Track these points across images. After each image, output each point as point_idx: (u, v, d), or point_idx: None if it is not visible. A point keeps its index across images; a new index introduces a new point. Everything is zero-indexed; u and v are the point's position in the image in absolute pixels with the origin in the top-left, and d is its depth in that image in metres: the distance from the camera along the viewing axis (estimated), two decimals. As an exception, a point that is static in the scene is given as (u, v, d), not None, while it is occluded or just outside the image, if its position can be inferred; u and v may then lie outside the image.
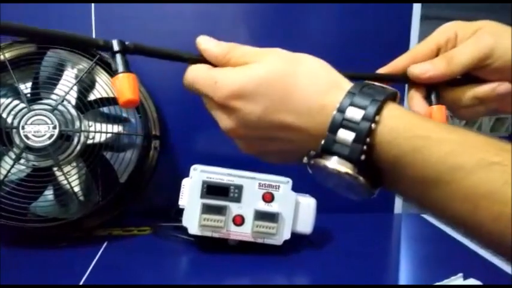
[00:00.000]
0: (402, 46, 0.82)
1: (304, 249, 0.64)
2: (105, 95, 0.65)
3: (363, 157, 0.27)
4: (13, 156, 0.61)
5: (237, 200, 0.60)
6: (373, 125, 0.27)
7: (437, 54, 0.37)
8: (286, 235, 0.61)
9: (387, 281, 0.59)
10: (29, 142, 0.60)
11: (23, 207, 0.60)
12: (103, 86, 0.65)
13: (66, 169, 0.62)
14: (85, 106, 0.63)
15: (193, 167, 0.61)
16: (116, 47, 0.33)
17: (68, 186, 0.62)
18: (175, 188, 0.61)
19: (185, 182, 0.61)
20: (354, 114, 0.27)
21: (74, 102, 0.63)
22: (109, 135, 0.64)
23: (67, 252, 0.62)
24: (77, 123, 0.62)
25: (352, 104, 0.28)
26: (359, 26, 0.81)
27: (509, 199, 0.23)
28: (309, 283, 0.59)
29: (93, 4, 0.76)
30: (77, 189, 0.63)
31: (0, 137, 0.61)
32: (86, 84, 0.65)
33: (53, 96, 0.63)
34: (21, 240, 0.64)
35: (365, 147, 0.27)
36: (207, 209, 0.59)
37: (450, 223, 0.28)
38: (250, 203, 0.60)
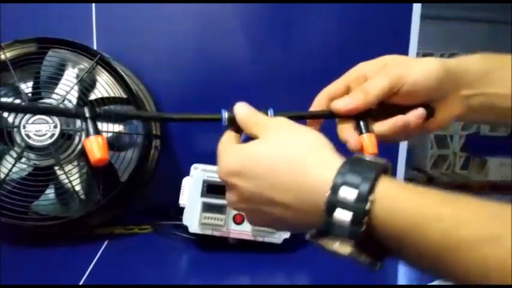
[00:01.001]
0: (402, 45, 0.82)
1: (304, 248, 0.64)
2: (106, 95, 0.65)
3: (360, 234, 0.27)
4: (14, 155, 0.61)
5: (237, 198, 0.60)
6: (367, 206, 0.27)
7: (347, 92, 0.41)
8: (286, 234, 0.61)
9: (386, 278, 0.59)
10: (30, 141, 0.61)
11: (24, 205, 0.60)
12: (104, 86, 0.65)
13: (67, 168, 0.62)
14: (86, 105, 0.63)
15: (193, 166, 0.61)
16: (87, 114, 0.37)
17: (69, 185, 0.62)
18: (176, 187, 0.62)
19: (185, 181, 0.62)
20: (348, 194, 0.28)
21: (74, 101, 0.64)
22: (110, 134, 0.64)
23: (68, 251, 0.62)
24: (78, 123, 0.63)
25: (344, 183, 0.28)
26: (359, 27, 0.81)
27: None
28: (309, 281, 0.59)
29: (93, 4, 0.76)
30: (78, 188, 0.63)
31: (1, 136, 0.61)
32: (86, 84, 0.65)
33: (54, 96, 0.63)
34: (22, 238, 0.65)
35: (363, 227, 0.27)
36: (207, 208, 0.59)
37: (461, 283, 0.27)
38: (250, 202, 0.60)
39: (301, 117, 0.38)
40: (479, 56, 0.41)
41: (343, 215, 0.28)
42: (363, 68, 0.42)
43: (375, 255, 0.29)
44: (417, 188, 0.28)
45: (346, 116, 0.40)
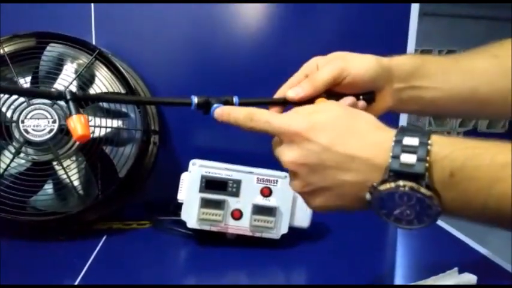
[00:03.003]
0: (400, 43, 0.82)
1: (302, 243, 0.64)
2: (104, 90, 0.65)
3: (427, 174, 0.32)
4: (13, 150, 0.61)
5: (236, 194, 0.60)
6: (429, 147, 0.32)
7: None
8: (284, 229, 0.61)
9: (384, 274, 0.60)
10: (28, 136, 0.60)
11: (22, 200, 0.60)
12: (102, 81, 0.65)
13: (65, 163, 0.62)
14: (85, 101, 0.63)
15: (192, 161, 0.61)
16: (68, 96, 0.41)
17: (67, 180, 0.62)
18: (174, 183, 0.62)
19: (184, 177, 0.62)
20: (412, 141, 0.33)
21: (73, 96, 0.63)
22: (109, 129, 0.64)
23: (66, 246, 0.62)
24: (77, 118, 0.63)
25: (407, 136, 0.34)
26: (358, 25, 0.82)
27: None
28: (306, 277, 0.60)
29: (92, 4, 0.76)
30: (76, 183, 0.63)
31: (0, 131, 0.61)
32: (85, 79, 0.65)
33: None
34: (20, 233, 0.65)
35: (427, 164, 0.32)
36: (205, 203, 0.60)
37: None
38: (248, 198, 0.60)
39: (263, 104, 0.45)
40: (409, 55, 0.50)
41: (408, 157, 0.33)
42: (315, 61, 0.49)
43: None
44: (459, 137, 0.35)
45: (301, 103, 0.45)
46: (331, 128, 0.36)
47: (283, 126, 0.37)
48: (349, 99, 0.46)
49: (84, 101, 0.62)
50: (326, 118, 0.36)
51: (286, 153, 0.37)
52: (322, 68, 0.47)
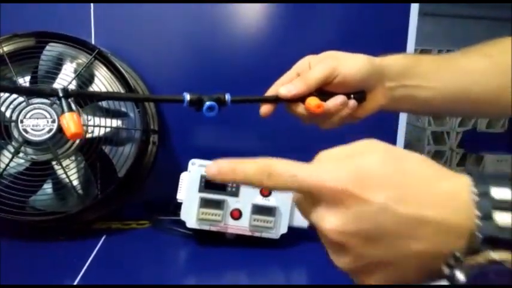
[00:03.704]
0: (400, 43, 0.82)
1: (302, 243, 0.64)
2: (104, 90, 0.65)
3: None
4: (12, 150, 0.61)
5: (235, 194, 0.60)
6: None
7: None
8: (283, 229, 0.61)
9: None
10: (27, 136, 0.60)
11: (21, 200, 0.60)
12: (102, 81, 0.65)
13: (65, 163, 0.62)
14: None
15: (191, 161, 0.61)
16: (60, 93, 0.40)
17: (66, 180, 0.62)
18: (174, 182, 0.62)
19: (183, 176, 0.62)
20: (504, 194, 0.24)
21: (72, 96, 0.63)
22: (108, 129, 0.64)
23: (65, 246, 0.62)
24: (76, 117, 0.62)
25: (493, 185, 0.24)
26: (359, 26, 0.81)
27: None
28: (306, 277, 0.60)
29: (92, 4, 0.76)
30: (75, 183, 0.63)
31: (-1, 131, 0.61)
32: (84, 79, 0.65)
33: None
34: (20, 233, 0.64)
35: None
36: (205, 203, 0.60)
37: None
38: (247, 197, 0.60)
39: (255, 101, 0.47)
40: (402, 55, 0.49)
41: (505, 217, 0.24)
42: (308, 59, 0.49)
43: None
44: None
45: (292, 100, 0.47)
46: (386, 179, 0.25)
47: (318, 181, 0.26)
48: (340, 98, 0.47)
49: (81, 100, 0.62)
50: (374, 164, 0.26)
51: (329, 219, 0.26)
52: (314, 67, 0.47)
